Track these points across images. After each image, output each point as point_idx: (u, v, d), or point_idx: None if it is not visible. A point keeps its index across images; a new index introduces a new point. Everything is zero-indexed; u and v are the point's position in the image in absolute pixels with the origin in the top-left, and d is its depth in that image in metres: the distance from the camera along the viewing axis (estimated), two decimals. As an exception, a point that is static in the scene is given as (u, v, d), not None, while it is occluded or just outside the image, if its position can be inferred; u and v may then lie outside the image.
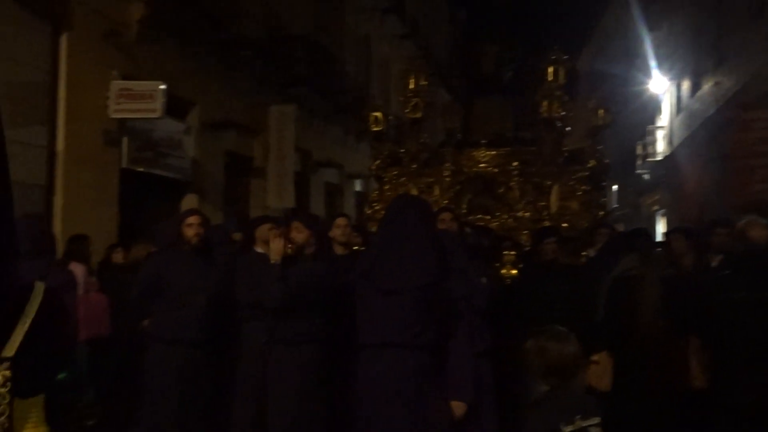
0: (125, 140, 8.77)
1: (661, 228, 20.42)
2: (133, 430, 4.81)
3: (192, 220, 4.71)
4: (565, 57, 7.90)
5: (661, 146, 21.51)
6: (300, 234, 4.48)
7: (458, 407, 3.51)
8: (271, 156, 12.61)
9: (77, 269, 5.80)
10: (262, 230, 5.65)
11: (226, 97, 11.46)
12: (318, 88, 14.56)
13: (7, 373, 1.98)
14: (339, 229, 5.30)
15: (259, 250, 5.60)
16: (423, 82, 8.28)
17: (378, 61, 20.53)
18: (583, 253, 5.66)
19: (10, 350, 2.00)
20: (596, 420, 2.59)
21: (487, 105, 8.53)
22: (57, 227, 7.39)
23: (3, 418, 2.01)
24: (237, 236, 6.28)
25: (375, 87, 19.60)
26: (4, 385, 1.97)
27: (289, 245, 4.45)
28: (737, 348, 3.54)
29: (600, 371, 4.01)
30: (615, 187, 30.87)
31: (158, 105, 8.08)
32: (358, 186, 19.17)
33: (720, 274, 4.15)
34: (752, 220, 3.68)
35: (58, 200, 7.67)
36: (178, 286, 4.57)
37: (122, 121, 8.59)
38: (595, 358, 4.04)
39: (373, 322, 3.34)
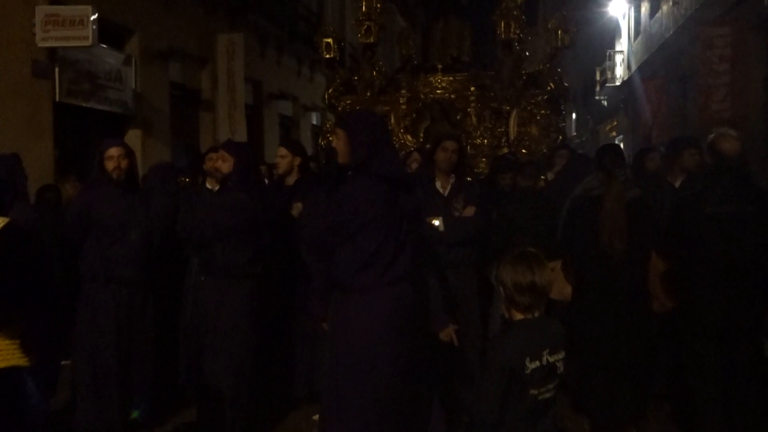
0: (57, 71, 8.18)
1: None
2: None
3: (112, 152, 4.36)
4: (523, -26, 7.57)
5: (620, 71, 21.37)
6: (225, 163, 4.24)
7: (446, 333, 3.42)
8: (220, 88, 12.04)
9: None
10: (208, 163, 5.37)
11: (170, 25, 10.79)
12: (269, 15, 13.92)
13: None
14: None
15: (207, 185, 5.35)
16: (376, 5, 7.92)
17: (331, -13, 19.75)
18: (542, 177, 5.47)
19: None
20: (562, 354, 2.41)
21: (445, 29, 8.22)
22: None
23: None
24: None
25: (329, 14, 18.87)
26: None
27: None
28: (708, 266, 3.38)
29: (557, 281, 3.88)
30: (573, 116, 30.83)
31: (89, 32, 7.49)
32: (314, 119, 18.68)
33: (689, 190, 3.98)
34: (723, 133, 3.47)
35: (-17, 138, 7.14)
36: (106, 222, 4.29)
37: (52, 51, 7.98)
38: (550, 265, 3.90)
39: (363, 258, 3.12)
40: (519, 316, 2.48)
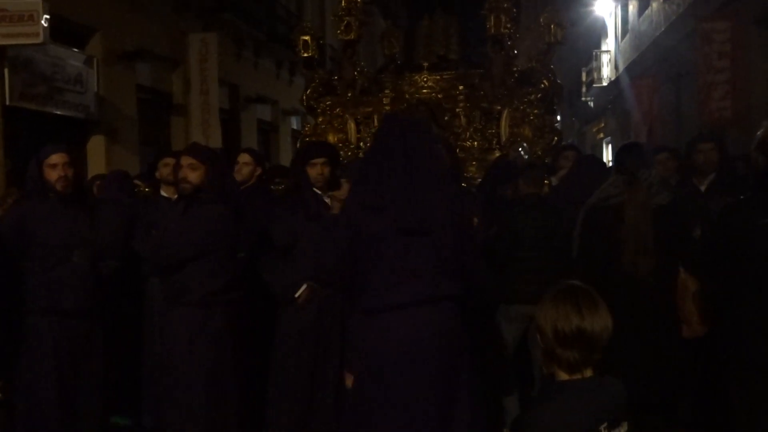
0: (6, 72, 7.50)
1: (608, 156, 20.10)
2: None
3: (55, 159, 3.74)
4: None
5: (606, 71, 20.99)
6: (195, 172, 3.63)
7: None
8: (192, 91, 11.41)
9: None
10: (163, 169, 4.79)
11: (136, 24, 10.11)
12: (245, 15, 13.31)
13: None
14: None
15: (164, 193, 4.79)
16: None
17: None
18: (546, 181, 4.93)
19: None
20: (625, 427, 1.79)
21: (431, 26, 7.81)
22: None
23: None
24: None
25: (310, 14, 18.28)
26: None
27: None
28: (762, 286, 2.80)
29: None
30: (558, 117, 30.49)
31: (39, 28, 6.83)
32: (294, 124, 18.09)
33: (719, 195, 3.42)
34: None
35: None
36: (45, 243, 3.67)
37: (1, 50, 7.31)
38: None
39: (401, 272, 2.64)
40: (563, 377, 1.81)
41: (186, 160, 3.68)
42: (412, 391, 2.59)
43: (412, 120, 3.10)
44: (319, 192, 3.99)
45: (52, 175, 3.72)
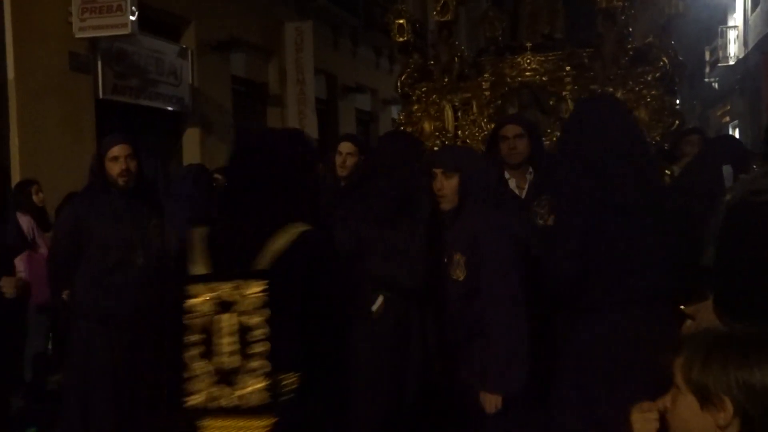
0: (99, 65, 7.52)
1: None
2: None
3: (117, 151, 3.48)
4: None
5: (733, 49, 19.32)
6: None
7: None
8: (288, 81, 11.27)
9: (22, 221, 5.05)
10: None
11: (230, 14, 10.03)
12: (342, 2, 13.05)
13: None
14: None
15: None
16: (453, -22, 6.97)
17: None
18: (667, 171, 4.25)
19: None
20: None
21: (535, 3, 7.21)
22: (15, 172, 6.30)
23: None
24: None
25: (410, 2, 17.89)
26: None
27: None
28: None
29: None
30: (677, 101, 28.59)
31: (127, 19, 6.76)
32: (395, 113, 17.77)
33: None
34: None
35: (14, 140, 6.54)
36: (104, 243, 3.42)
37: (93, 43, 7.32)
38: (689, 310, 2.73)
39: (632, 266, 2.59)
40: None
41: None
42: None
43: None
44: None
45: (114, 168, 3.47)
